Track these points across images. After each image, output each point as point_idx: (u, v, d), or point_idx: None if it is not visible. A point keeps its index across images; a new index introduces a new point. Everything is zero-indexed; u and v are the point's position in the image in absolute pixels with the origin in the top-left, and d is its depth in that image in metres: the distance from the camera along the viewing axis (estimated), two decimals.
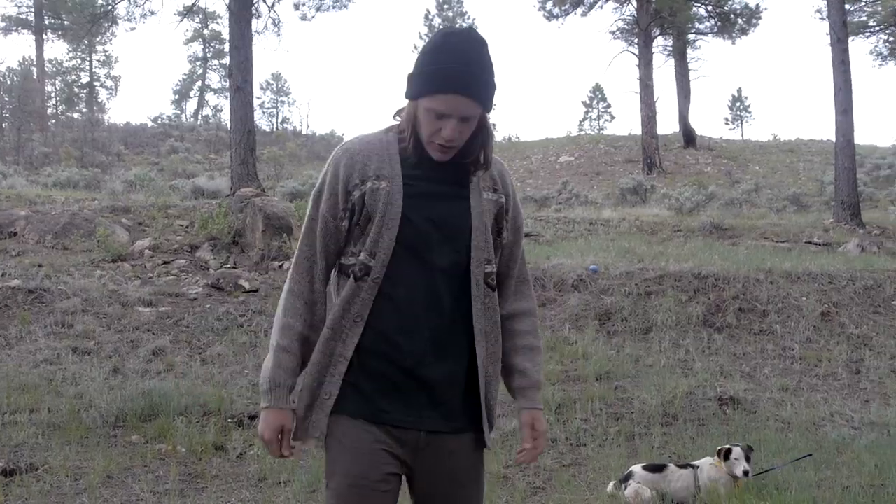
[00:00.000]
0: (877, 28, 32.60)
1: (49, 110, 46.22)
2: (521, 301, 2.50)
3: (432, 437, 2.30)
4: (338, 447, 2.29)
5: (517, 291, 2.50)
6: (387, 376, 2.28)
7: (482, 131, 2.35)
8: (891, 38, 33.93)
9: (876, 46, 34.48)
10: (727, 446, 5.01)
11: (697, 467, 5.07)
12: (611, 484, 5.12)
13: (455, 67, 2.22)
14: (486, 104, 2.30)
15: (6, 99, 36.60)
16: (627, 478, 5.02)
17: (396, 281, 2.28)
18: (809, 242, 14.91)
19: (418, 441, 2.29)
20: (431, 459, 2.31)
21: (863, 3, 30.67)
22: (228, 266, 11.78)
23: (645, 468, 5.08)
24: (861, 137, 54.95)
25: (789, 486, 5.03)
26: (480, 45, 2.26)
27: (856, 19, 30.17)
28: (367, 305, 2.28)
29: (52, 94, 50.47)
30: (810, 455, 5.57)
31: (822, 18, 24.71)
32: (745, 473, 4.87)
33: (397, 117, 2.38)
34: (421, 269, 2.29)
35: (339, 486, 2.28)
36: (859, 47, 69.53)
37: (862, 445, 6.25)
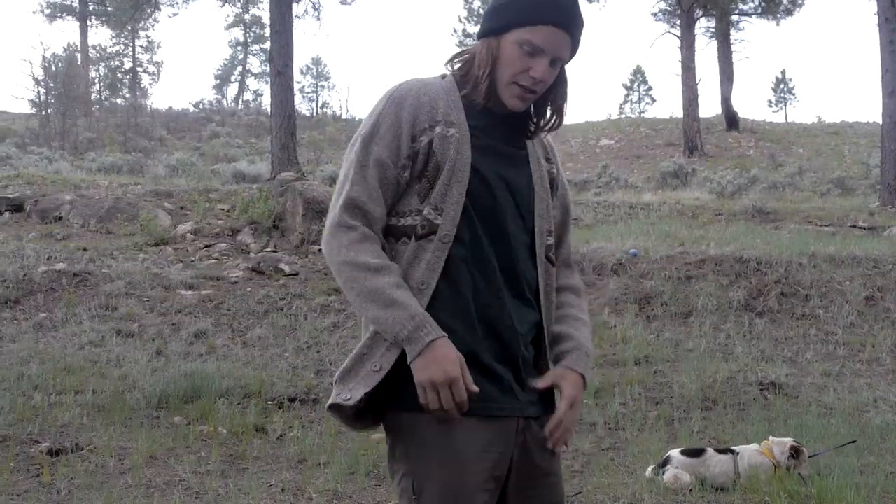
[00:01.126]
0: None
1: (93, 96, 46.78)
2: (569, 279, 2.25)
3: (527, 424, 2.02)
4: (427, 449, 1.92)
5: (563, 274, 2.23)
6: (474, 353, 1.95)
7: (562, 84, 2.10)
8: None
9: None
10: (795, 443, 4.97)
11: (737, 453, 5.04)
12: (649, 468, 5.10)
13: None
14: (576, 49, 2.07)
15: (51, 85, 37.09)
16: (666, 462, 5.01)
17: (467, 243, 1.99)
18: (854, 226, 14.66)
19: (517, 429, 1.99)
20: (528, 450, 2.01)
21: None
22: (269, 250, 11.87)
23: (683, 453, 5.06)
24: None
25: (831, 472, 4.97)
26: None
27: None
28: (435, 271, 1.96)
29: (96, 80, 51.05)
30: (854, 441, 5.51)
31: None
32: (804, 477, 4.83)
33: (450, 66, 2.12)
34: (492, 230, 2.02)
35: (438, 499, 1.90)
36: None
37: None
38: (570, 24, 2.00)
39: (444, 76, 2.10)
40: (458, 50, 2.18)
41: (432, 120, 2.00)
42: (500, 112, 2.07)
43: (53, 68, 37.56)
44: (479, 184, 2.01)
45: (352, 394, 1.94)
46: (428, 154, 1.99)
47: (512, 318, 2.01)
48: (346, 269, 1.94)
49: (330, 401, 2.00)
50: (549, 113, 2.13)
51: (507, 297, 2.01)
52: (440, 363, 1.86)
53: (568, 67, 2.12)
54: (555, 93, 2.09)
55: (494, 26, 2.03)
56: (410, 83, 2.06)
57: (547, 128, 2.14)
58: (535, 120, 2.13)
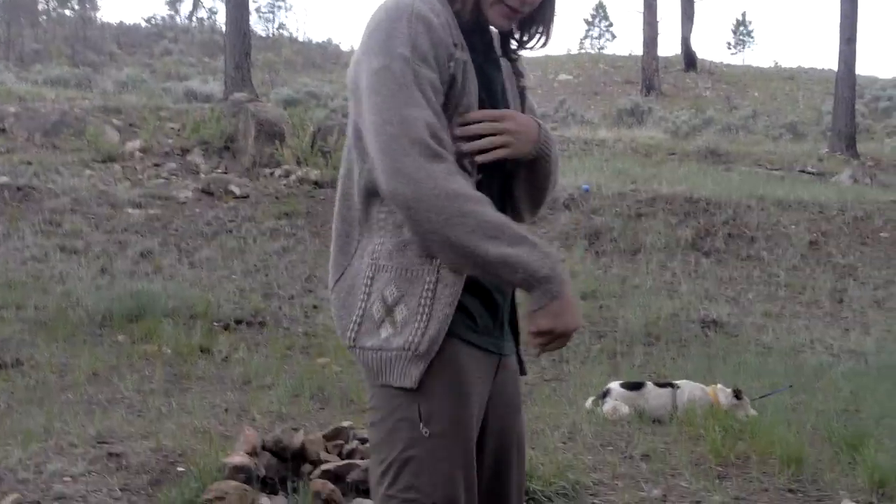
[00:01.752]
0: None
1: (40, 6, 45.23)
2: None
3: (501, 361, 1.92)
4: (436, 376, 1.74)
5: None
6: (479, 288, 1.82)
7: (551, 2, 1.91)
8: None
9: None
10: (737, 388, 5.09)
11: (677, 387, 5.14)
12: (589, 400, 5.19)
13: None
14: None
15: None
16: (606, 394, 5.10)
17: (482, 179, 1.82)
18: (803, 171, 14.88)
19: (497, 366, 1.91)
20: (500, 387, 1.92)
21: None
22: (219, 171, 11.71)
23: (623, 385, 5.15)
24: (862, 68, 54.49)
25: (765, 409, 5.11)
26: None
27: None
28: None
29: None
30: (791, 386, 5.65)
31: None
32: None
33: None
34: (495, 164, 1.84)
35: (448, 432, 1.75)
36: None
37: (839, 372, 6.34)
38: None
39: None
40: None
41: (453, 40, 1.77)
42: (483, 26, 1.88)
43: None
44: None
45: (430, 341, 1.73)
46: (456, 81, 1.77)
47: None
48: (457, 203, 1.66)
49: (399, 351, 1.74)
50: (536, 32, 1.93)
51: None
52: (575, 310, 1.74)
53: None
54: (543, 11, 1.90)
55: None
56: (419, 3, 1.76)
57: (531, 47, 1.96)
58: (518, 37, 1.94)
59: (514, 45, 1.95)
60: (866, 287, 9.06)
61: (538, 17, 1.90)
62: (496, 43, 1.95)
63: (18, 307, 6.68)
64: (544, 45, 1.95)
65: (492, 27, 1.89)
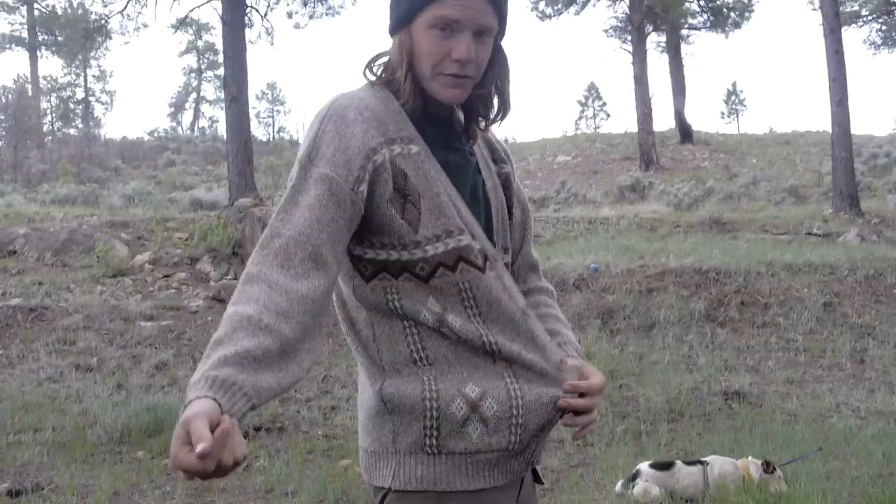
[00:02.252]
0: (869, 17, 32.65)
1: (45, 127, 46.24)
2: (539, 282, 1.99)
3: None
4: None
5: (531, 278, 1.97)
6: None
7: (500, 64, 1.76)
8: (884, 27, 33.98)
9: (869, 35, 34.64)
10: (767, 460, 5.01)
11: (707, 464, 5.06)
12: (619, 483, 5.10)
13: None
14: (503, 16, 1.72)
15: (2, 117, 36.62)
16: (635, 476, 5.01)
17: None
18: (809, 234, 14.90)
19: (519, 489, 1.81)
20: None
21: None
22: (229, 277, 11.76)
23: (652, 466, 5.07)
24: (857, 127, 55.01)
25: (798, 479, 5.01)
26: None
27: (848, 9, 30.21)
28: (516, 300, 1.77)
29: (48, 111, 50.51)
30: (820, 449, 5.56)
31: (814, 9, 24.75)
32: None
33: (369, 72, 1.76)
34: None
35: None
36: (853, 36, 69.70)
37: (869, 435, 6.24)
38: None
39: (371, 84, 1.75)
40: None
41: (385, 136, 1.66)
42: (441, 115, 1.77)
43: (3, 100, 37.07)
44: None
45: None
46: (395, 175, 1.64)
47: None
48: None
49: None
50: (493, 102, 1.77)
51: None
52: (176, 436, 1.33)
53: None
54: (493, 75, 1.75)
55: (401, 16, 1.69)
56: (343, 98, 1.70)
57: (493, 120, 1.79)
58: (479, 114, 1.79)
59: (479, 123, 1.80)
60: (886, 345, 8.98)
61: (489, 81, 1.75)
62: (468, 133, 1.81)
63: (36, 430, 6.63)
64: (504, 114, 1.80)
65: (451, 103, 1.74)
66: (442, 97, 1.70)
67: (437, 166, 1.70)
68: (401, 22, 1.69)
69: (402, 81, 1.69)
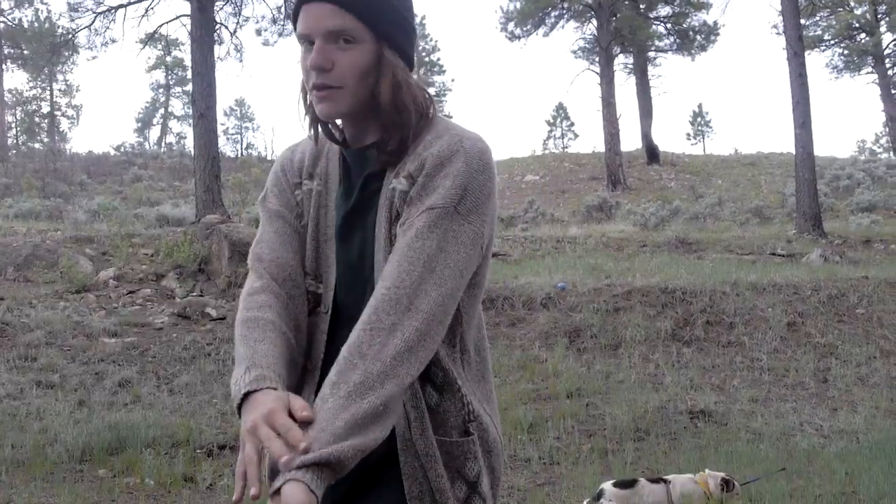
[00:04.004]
0: (832, 42, 33.26)
1: (9, 141, 45.68)
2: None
3: None
4: None
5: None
6: None
7: (381, 72, 1.61)
8: (845, 52, 34.59)
9: (831, 60, 35.34)
10: (726, 476, 5.02)
11: (669, 482, 5.07)
12: (584, 502, 5.10)
13: None
14: (370, 18, 1.59)
15: None
16: (599, 495, 5.01)
17: (348, 317, 1.65)
18: (773, 254, 15.07)
19: None
20: None
21: (818, 18, 31.25)
22: (195, 294, 11.67)
23: (616, 484, 5.07)
24: (820, 149, 55.85)
25: (762, 498, 5.05)
26: None
27: (811, 34, 30.76)
28: (321, 349, 1.71)
29: (13, 125, 49.92)
30: (783, 469, 5.60)
31: (778, 33, 25.20)
32: None
33: None
34: (357, 293, 1.67)
35: None
36: (816, 61, 70.90)
37: (832, 453, 6.30)
38: None
39: None
40: None
41: (300, 176, 1.80)
42: (356, 140, 1.71)
43: None
44: (343, 241, 1.72)
45: None
46: (301, 213, 1.78)
47: None
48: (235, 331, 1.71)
49: None
50: (388, 118, 1.63)
51: None
52: (253, 410, 1.44)
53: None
54: (370, 82, 1.62)
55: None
56: (298, 142, 1.89)
57: (393, 142, 1.64)
58: (382, 134, 1.66)
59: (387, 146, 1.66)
60: (849, 365, 9.08)
61: (369, 90, 1.62)
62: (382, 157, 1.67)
63: None
64: (399, 119, 1.62)
65: (326, 119, 1.68)
66: (320, 114, 1.65)
67: (319, 205, 1.76)
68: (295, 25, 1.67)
69: (301, 113, 1.74)
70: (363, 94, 1.62)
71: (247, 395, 1.47)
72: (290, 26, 20.25)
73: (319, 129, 1.75)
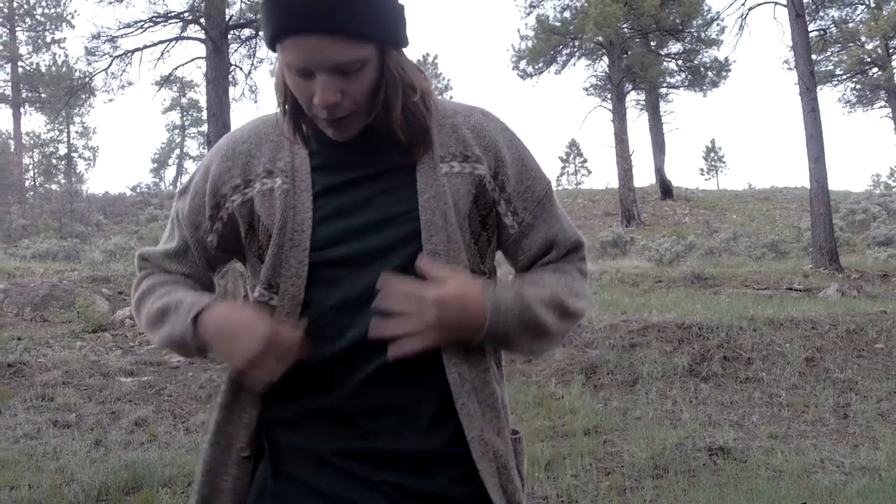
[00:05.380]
0: (843, 76, 33.33)
1: (27, 182, 46.19)
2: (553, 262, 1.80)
3: None
4: None
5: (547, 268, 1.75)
6: None
7: (385, 83, 1.49)
8: (857, 86, 34.66)
9: (844, 94, 35.34)
10: None
11: None
12: None
13: None
14: (370, 32, 1.43)
15: None
16: None
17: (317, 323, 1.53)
18: (790, 289, 14.99)
19: None
20: None
21: (829, 53, 31.36)
22: None
23: None
24: (835, 183, 55.77)
25: None
26: None
27: (823, 69, 30.85)
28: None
29: (30, 167, 50.50)
30: None
31: (790, 69, 25.29)
32: None
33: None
34: (352, 297, 1.51)
35: None
36: (828, 95, 71.03)
37: (854, 491, 6.21)
38: (323, 22, 1.38)
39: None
40: None
41: (248, 174, 1.56)
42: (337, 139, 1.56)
43: None
44: (328, 240, 1.52)
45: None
46: (251, 218, 1.56)
47: None
48: (138, 309, 1.67)
49: None
50: (401, 128, 1.52)
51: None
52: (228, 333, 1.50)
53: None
54: (380, 98, 1.51)
55: (268, 42, 1.49)
56: (242, 128, 1.67)
57: (415, 145, 1.55)
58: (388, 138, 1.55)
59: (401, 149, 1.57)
60: (869, 400, 8.99)
61: (383, 105, 1.52)
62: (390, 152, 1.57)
63: (12, 487, 6.51)
64: (416, 135, 1.54)
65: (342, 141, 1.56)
66: (332, 137, 1.53)
67: (306, 200, 1.53)
68: (272, 45, 1.48)
69: (281, 116, 1.56)
70: (375, 106, 1.52)
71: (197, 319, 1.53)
72: None
73: (304, 129, 1.57)
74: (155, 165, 63.59)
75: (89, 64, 21.50)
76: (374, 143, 1.55)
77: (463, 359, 1.53)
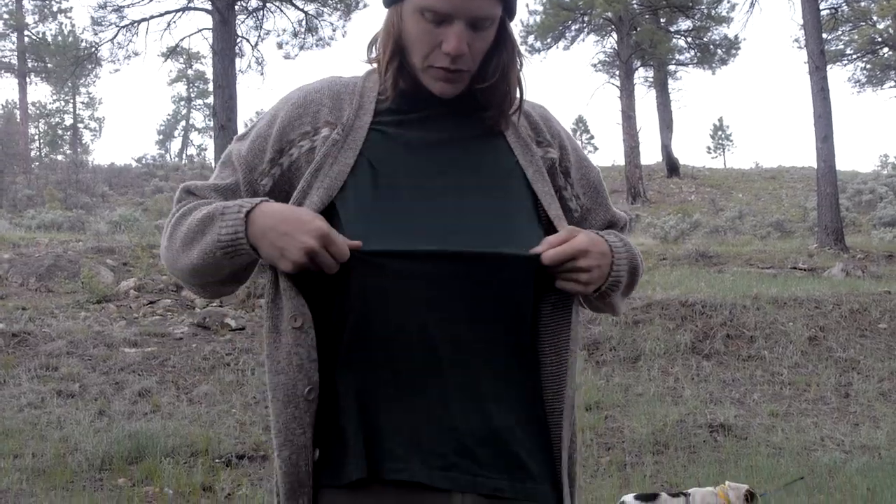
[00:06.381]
0: (854, 56, 33.06)
1: (32, 153, 46.17)
2: None
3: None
4: None
5: None
6: None
7: (504, 48, 1.55)
8: (868, 66, 34.40)
9: (854, 74, 35.02)
10: (751, 489, 4.98)
11: (690, 495, 5.04)
12: None
13: None
14: (509, 2, 1.51)
15: None
16: None
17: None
18: (795, 268, 14.96)
19: None
20: None
21: (839, 32, 31.10)
22: (214, 304, 11.71)
23: (637, 498, 5.04)
24: (842, 163, 55.62)
25: None
26: None
27: (833, 48, 30.59)
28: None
29: (36, 137, 50.49)
30: (802, 479, 5.55)
31: (800, 47, 25.09)
32: None
33: (369, 52, 1.63)
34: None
35: None
36: (837, 75, 70.67)
37: (853, 469, 6.23)
38: None
39: (371, 73, 1.64)
40: None
41: (317, 122, 1.57)
42: (437, 92, 1.56)
43: None
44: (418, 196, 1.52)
45: None
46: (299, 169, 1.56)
47: None
48: (175, 243, 1.58)
49: None
50: (498, 92, 1.57)
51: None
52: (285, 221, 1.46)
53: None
54: (496, 63, 1.55)
55: None
56: (314, 82, 1.66)
57: (504, 111, 1.59)
58: (485, 104, 1.59)
59: (488, 113, 1.61)
60: (870, 380, 9.00)
61: (491, 68, 1.56)
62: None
63: (15, 456, 6.56)
64: (511, 104, 1.59)
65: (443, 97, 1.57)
66: (434, 90, 1.54)
67: (349, 155, 1.53)
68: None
69: (383, 71, 1.55)
70: (479, 71, 1.56)
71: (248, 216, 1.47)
72: (310, 40, 20.20)
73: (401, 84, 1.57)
74: (161, 137, 63.60)
75: (95, 34, 21.40)
76: (446, 111, 1.58)
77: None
